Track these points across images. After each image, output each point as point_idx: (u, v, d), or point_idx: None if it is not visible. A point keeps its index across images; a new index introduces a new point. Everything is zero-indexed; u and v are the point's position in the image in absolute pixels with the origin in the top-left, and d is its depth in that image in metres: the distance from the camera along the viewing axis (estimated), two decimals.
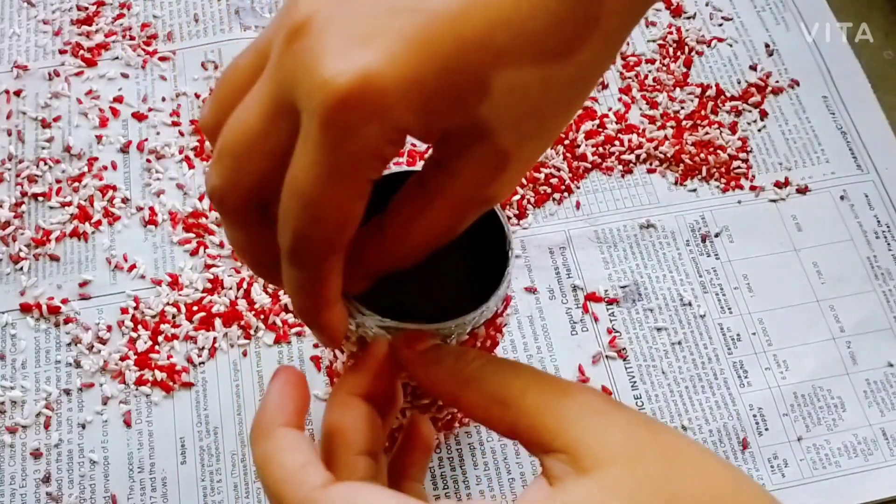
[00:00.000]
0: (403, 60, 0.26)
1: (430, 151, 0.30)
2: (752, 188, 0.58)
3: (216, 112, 0.30)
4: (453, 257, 0.37)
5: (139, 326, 0.52)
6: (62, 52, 0.61)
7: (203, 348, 0.51)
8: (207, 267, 0.54)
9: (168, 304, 0.52)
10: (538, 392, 0.30)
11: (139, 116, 0.59)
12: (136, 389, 0.50)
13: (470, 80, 0.27)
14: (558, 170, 0.58)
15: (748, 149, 0.59)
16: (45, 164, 0.57)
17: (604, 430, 0.29)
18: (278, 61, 0.28)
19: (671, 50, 0.62)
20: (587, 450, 0.29)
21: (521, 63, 0.27)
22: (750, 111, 0.60)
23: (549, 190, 0.57)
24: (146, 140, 0.58)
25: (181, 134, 0.59)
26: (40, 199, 0.56)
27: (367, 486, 0.30)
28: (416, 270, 0.32)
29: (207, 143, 0.58)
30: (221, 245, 0.54)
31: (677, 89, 0.61)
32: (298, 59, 0.27)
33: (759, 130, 0.60)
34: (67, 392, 0.50)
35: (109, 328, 0.52)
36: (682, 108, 0.60)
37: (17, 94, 0.60)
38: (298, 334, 0.52)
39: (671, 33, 0.63)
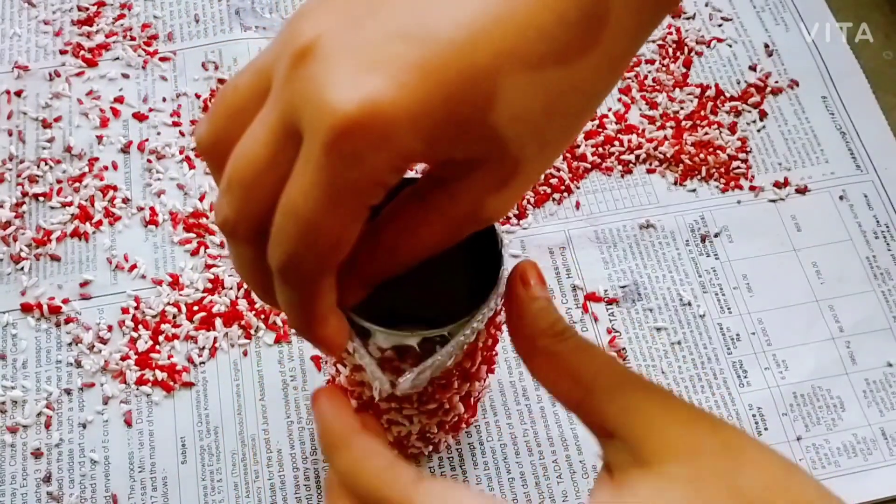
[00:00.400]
0: (411, 89, 0.26)
1: (429, 167, 0.30)
2: (752, 188, 0.58)
3: (215, 133, 0.30)
4: (444, 259, 0.37)
5: (140, 326, 0.52)
6: (63, 52, 0.61)
7: (203, 348, 0.51)
8: (208, 267, 0.54)
9: (169, 303, 0.52)
10: (609, 378, 0.31)
11: (140, 117, 0.59)
12: (137, 389, 0.50)
13: (473, 101, 0.27)
14: (558, 170, 0.58)
15: (747, 149, 0.59)
16: (46, 164, 0.57)
17: (666, 424, 0.30)
18: (283, 87, 0.28)
19: (671, 50, 0.63)
20: (648, 442, 0.29)
21: (522, 71, 0.27)
22: (749, 111, 0.60)
23: (548, 190, 0.57)
24: (147, 140, 0.58)
25: (182, 134, 0.59)
26: (41, 199, 0.56)
27: (456, 483, 0.31)
28: (407, 273, 0.32)
29: None
30: (222, 245, 0.54)
31: (677, 90, 0.61)
32: (304, 84, 0.27)
33: (759, 131, 0.60)
34: (68, 392, 0.50)
35: (110, 328, 0.52)
36: (682, 108, 0.60)
37: (18, 94, 0.60)
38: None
39: (671, 34, 0.63)
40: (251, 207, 0.29)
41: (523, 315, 0.33)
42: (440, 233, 0.31)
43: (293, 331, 0.52)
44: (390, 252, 0.31)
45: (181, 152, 0.58)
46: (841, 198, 0.58)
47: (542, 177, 0.57)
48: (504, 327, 0.38)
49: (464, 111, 0.27)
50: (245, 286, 0.53)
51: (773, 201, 0.57)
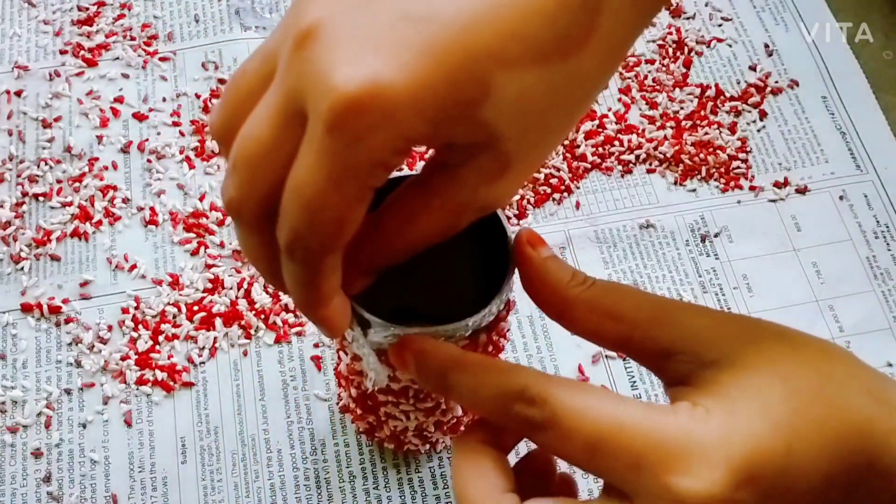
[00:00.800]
0: (414, 70, 0.26)
1: (433, 153, 0.31)
2: (752, 188, 0.58)
3: (225, 117, 0.30)
4: (459, 258, 0.37)
5: (140, 326, 0.52)
6: (63, 52, 0.61)
7: (203, 348, 0.51)
8: (208, 267, 0.54)
9: (169, 303, 0.52)
10: (649, 308, 0.32)
11: (140, 117, 0.59)
12: (137, 389, 0.50)
13: (474, 85, 0.27)
14: (558, 170, 0.58)
15: (747, 149, 0.59)
16: (46, 164, 0.57)
17: (718, 328, 0.31)
18: (287, 68, 0.28)
19: (671, 50, 0.63)
20: (708, 348, 0.31)
21: (521, 64, 0.27)
22: (749, 111, 0.60)
23: (548, 190, 0.57)
24: (147, 140, 0.58)
25: (182, 134, 0.59)
26: (41, 199, 0.56)
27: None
28: (420, 271, 0.32)
29: (208, 143, 0.58)
30: (222, 245, 0.54)
31: (677, 90, 0.61)
32: (307, 65, 0.27)
33: (759, 131, 0.60)
34: (68, 392, 0.50)
35: (110, 328, 0.52)
36: (682, 108, 0.60)
37: (18, 94, 0.60)
38: (299, 334, 0.52)
39: (671, 34, 0.63)
40: (255, 188, 0.29)
41: (544, 275, 0.34)
42: (441, 219, 0.31)
43: (299, 314, 0.52)
44: (392, 238, 0.31)
45: (181, 152, 0.58)
46: (841, 198, 0.58)
47: (542, 177, 0.57)
48: (509, 335, 0.38)
49: (465, 94, 0.27)
50: (245, 286, 0.53)
51: (773, 201, 0.57)
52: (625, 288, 0.33)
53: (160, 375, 0.50)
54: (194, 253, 0.54)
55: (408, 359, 0.34)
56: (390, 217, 0.31)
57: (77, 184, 0.56)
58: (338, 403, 0.50)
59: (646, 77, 0.61)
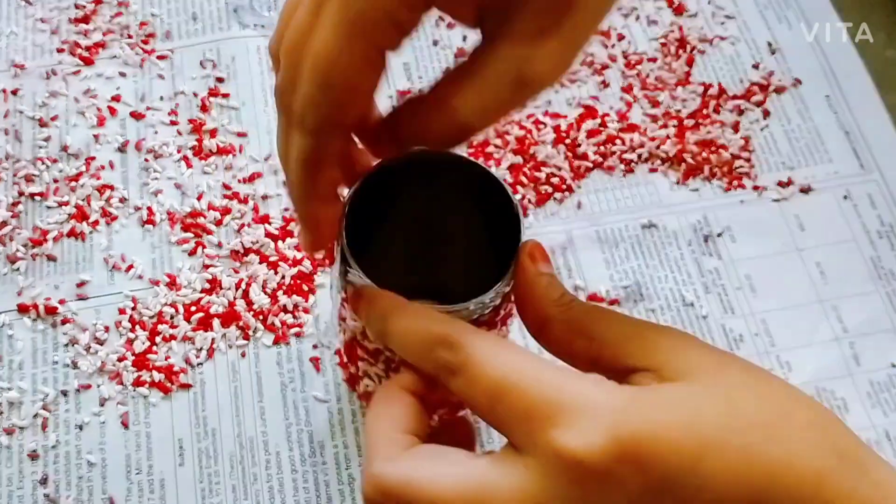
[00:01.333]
0: None
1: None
2: (755, 188, 0.57)
3: (278, 32, 0.31)
4: (471, 242, 0.37)
5: (137, 327, 0.51)
6: (59, 50, 0.61)
7: (201, 349, 0.51)
8: (205, 267, 0.53)
9: (166, 304, 0.52)
10: (621, 327, 0.32)
11: (137, 115, 0.59)
12: (134, 390, 0.50)
13: None
14: (559, 169, 0.57)
15: (751, 148, 0.59)
16: (43, 163, 0.57)
17: (686, 348, 0.30)
18: None
19: (673, 48, 0.62)
20: (669, 365, 0.30)
21: None
22: (752, 110, 0.60)
23: (550, 189, 0.57)
24: (144, 139, 0.58)
25: (179, 133, 0.58)
26: (37, 198, 0.56)
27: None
28: (432, 251, 0.32)
29: (206, 142, 0.57)
30: (220, 245, 0.54)
31: (679, 88, 0.61)
32: None
33: (762, 130, 0.60)
34: (65, 393, 0.50)
35: (107, 329, 0.51)
36: (684, 106, 0.60)
37: (14, 92, 0.59)
38: (297, 335, 0.52)
39: (673, 32, 0.63)
40: (296, 74, 0.30)
41: (534, 288, 0.33)
42: (485, 94, 0.30)
43: (298, 314, 0.52)
44: (436, 112, 0.31)
45: (178, 151, 0.57)
46: (845, 197, 0.57)
47: (544, 176, 0.57)
48: (508, 328, 0.37)
49: None
50: (242, 287, 0.52)
51: (777, 201, 0.57)
52: (603, 310, 0.33)
53: (157, 377, 0.50)
54: (192, 253, 0.54)
55: (361, 305, 0.34)
56: (436, 93, 0.31)
57: (74, 183, 0.56)
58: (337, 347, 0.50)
59: (648, 75, 0.61)
